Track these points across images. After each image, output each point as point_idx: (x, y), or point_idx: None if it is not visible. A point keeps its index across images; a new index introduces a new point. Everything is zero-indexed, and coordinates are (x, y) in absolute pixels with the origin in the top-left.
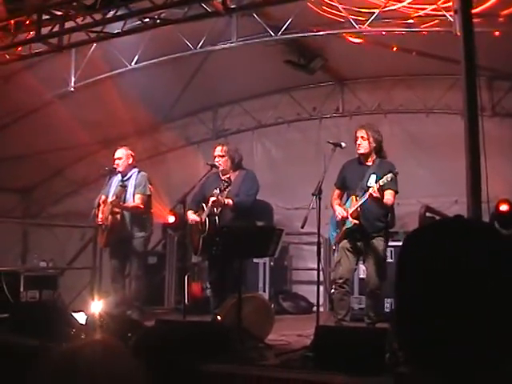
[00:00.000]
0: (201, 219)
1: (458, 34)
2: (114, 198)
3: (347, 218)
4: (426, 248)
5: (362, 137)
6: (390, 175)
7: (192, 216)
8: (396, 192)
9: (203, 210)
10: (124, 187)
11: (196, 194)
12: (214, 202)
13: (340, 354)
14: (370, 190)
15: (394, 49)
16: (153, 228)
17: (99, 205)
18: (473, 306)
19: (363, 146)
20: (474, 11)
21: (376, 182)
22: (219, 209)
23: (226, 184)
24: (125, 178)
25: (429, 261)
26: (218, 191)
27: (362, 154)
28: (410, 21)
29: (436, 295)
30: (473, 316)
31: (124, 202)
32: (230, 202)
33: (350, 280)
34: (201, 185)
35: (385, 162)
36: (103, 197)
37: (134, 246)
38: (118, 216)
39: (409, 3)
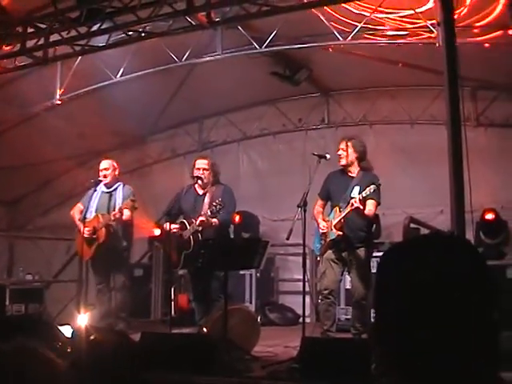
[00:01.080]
0: (181, 236)
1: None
2: (118, 211)
3: (331, 229)
4: (411, 261)
5: (342, 148)
6: (372, 187)
7: (173, 226)
8: (378, 203)
9: (186, 227)
10: (133, 202)
11: (172, 207)
12: (201, 222)
13: (326, 365)
14: (352, 201)
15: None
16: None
17: (84, 218)
18: (458, 317)
19: (342, 158)
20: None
21: (359, 194)
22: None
23: (218, 208)
24: (110, 190)
25: (413, 273)
26: (209, 213)
27: (343, 166)
28: (396, 33)
29: (421, 307)
30: (458, 327)
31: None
32: (217, 221)
33: (335, 291)
34: (176, 197)
35: (368, 174)
36: (80, 206)
37: (120, 258)
38: (112, 229)
39: (397, 17)
